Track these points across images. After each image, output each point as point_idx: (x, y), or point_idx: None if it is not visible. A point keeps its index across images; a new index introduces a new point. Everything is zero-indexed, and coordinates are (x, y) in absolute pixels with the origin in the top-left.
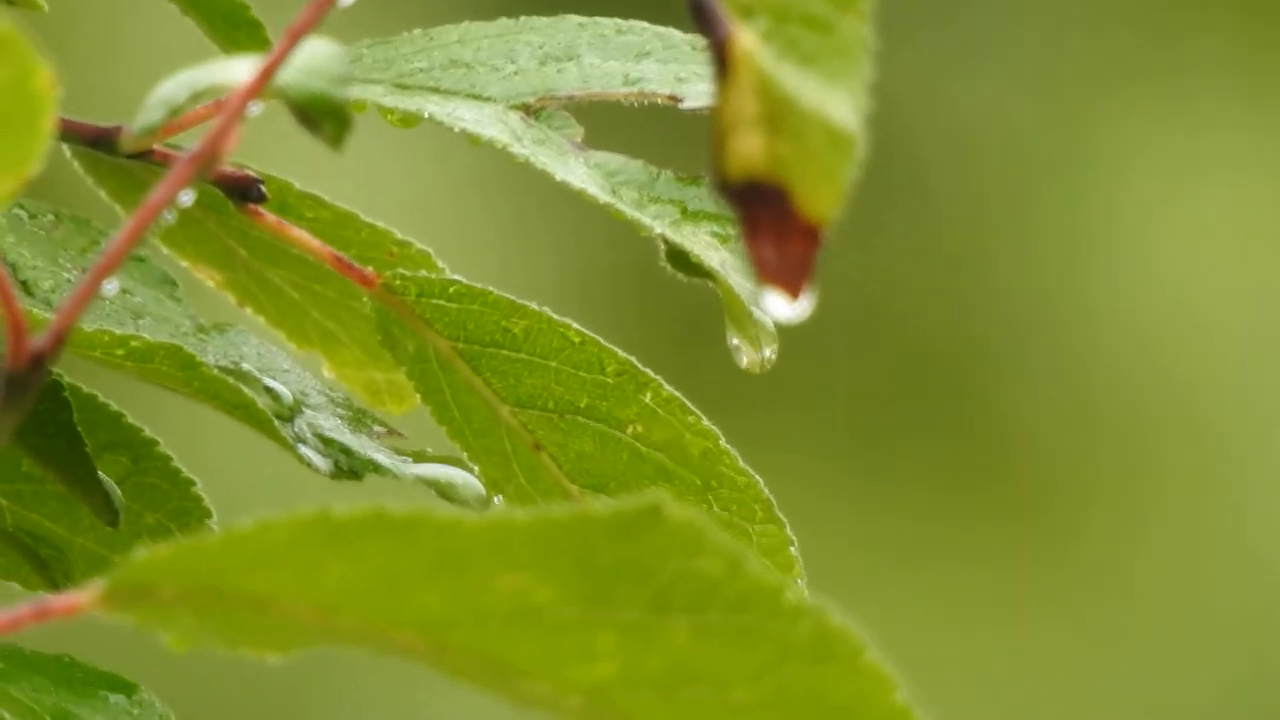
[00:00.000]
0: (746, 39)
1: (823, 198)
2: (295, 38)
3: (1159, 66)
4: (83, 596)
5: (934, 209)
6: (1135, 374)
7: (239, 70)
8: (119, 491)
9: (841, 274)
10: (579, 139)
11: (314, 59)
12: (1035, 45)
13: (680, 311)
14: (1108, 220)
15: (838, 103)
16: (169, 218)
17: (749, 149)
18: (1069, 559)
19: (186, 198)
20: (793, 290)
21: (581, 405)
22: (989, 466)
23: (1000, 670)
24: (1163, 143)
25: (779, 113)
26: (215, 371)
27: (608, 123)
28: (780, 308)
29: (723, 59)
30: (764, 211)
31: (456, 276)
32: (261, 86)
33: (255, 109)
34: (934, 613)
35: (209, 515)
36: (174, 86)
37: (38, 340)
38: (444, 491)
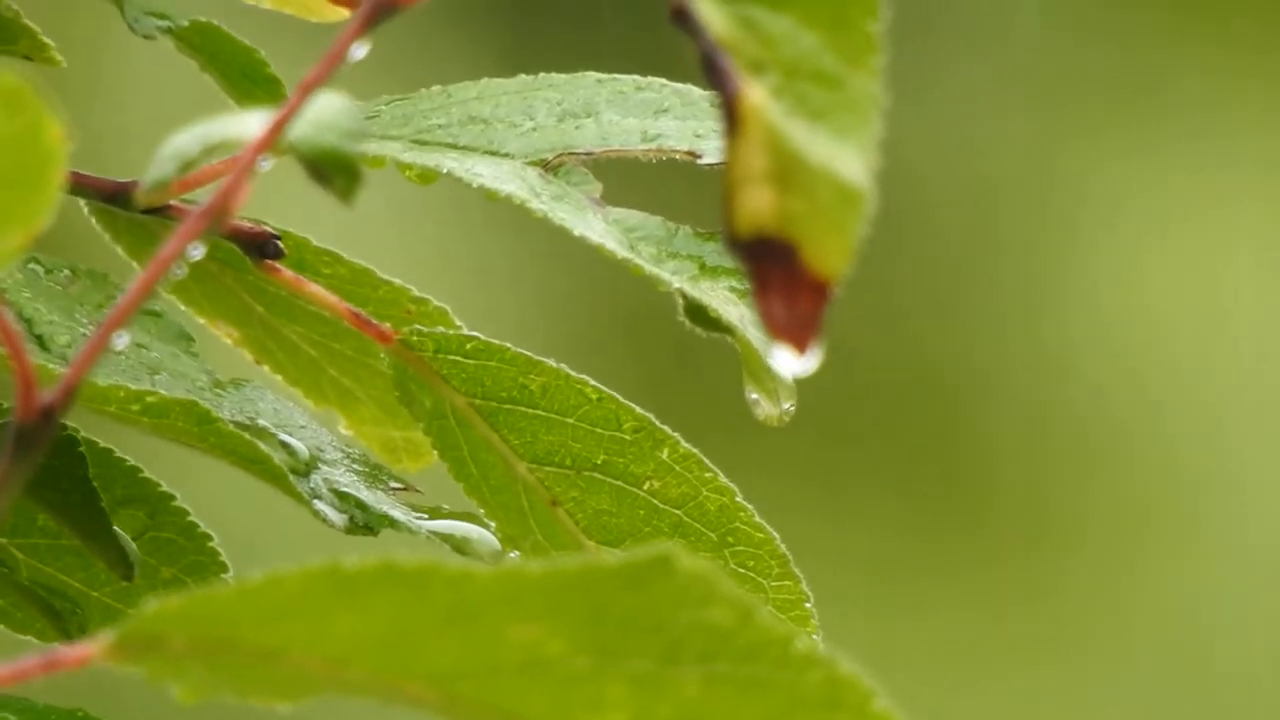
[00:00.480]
0: (756, 94)
1: (832, 254)
2: (306, 92)
3: (1137, 104)
4: (92, 648)
5: (897, 242)
6: (1080, 398)
7: (250, 124)
8: (134, 546)
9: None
10: (597, 195)
11: (325, 113)
12: (1010, 85)
13: (695, 364)
14: (1077, 252)
15: (847, 159)
16: (180, 272)
17: (758, 204)
18: (1052, 598)
19: (197, 252)
20: (800, 345)
21: (598, 461)
22: (968, 509)
23: (995, 713)
24: (1121, 170)
25: (789, 168)
26: (231, 427)
27: (626, 179)
28: (788, 363)
29: (732, 114)
30: (773, 267)
31: (474, 333)
32: (273, 141)
33: (267, 164)
34: (920, 661)
35: (225, 570)
36: (186, 140)
37: (47, 394)
38: (459, 547)
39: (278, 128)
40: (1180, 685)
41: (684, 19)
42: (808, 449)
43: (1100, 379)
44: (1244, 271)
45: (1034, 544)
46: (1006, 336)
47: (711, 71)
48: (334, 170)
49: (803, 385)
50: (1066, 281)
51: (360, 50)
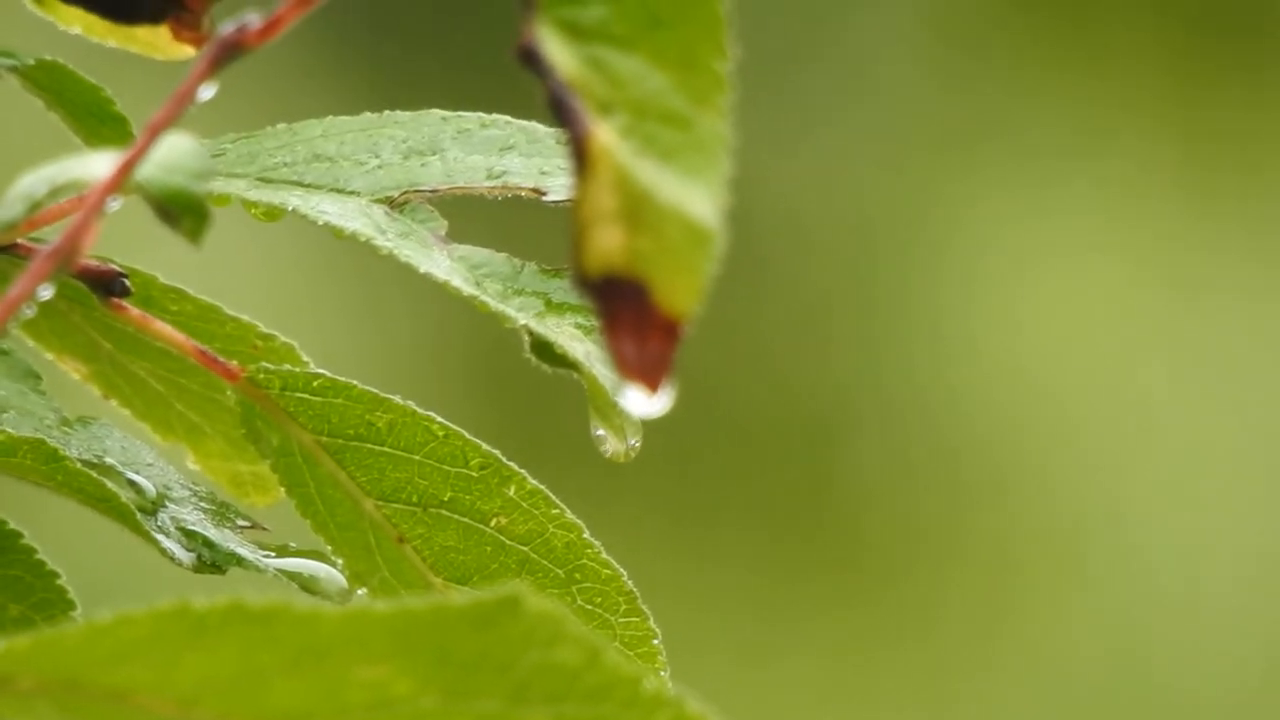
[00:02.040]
0: (605, 134)
1: (682, 293)
2: (155, 133)
3: (1002, 147)
4: None
5: (765, 279)
6: (953, 439)
7: (98, 165)
8: None
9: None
10: (443, 232)
11: (173, 154)
12: (876, 124)
13: (541, 400)
14: (949, 291)
15: (696, 198)
16: (29, 312)
17: (608, 244)
18: (920, 642)
19: (46, 292)
20: (652, 385)
21: (445, 498)
22: (835, 549)
23: None
24: (993, 206)
25: (638, 208)
26: (79, 465)
27: (472, 216)
28: (640, 404)
29: (582, 155)
30: (623, 306)
31: (321, 370)
32: (120, 182)
33: (115, 204)
34: (781, 705)
35: (73, 607)
36: (33, 181)
37: None
38: (307, 585)
39: (126, 169)
40: None
41: (532, 59)
42: (672, 486)
43: (974, 418)
44: (1111, 307)
45: (902, 585)
46: (879, 375)
47: (560, 112)
48: (182, 211)
49: (668, 421)
50: (939, 320)
51: (208, 91)
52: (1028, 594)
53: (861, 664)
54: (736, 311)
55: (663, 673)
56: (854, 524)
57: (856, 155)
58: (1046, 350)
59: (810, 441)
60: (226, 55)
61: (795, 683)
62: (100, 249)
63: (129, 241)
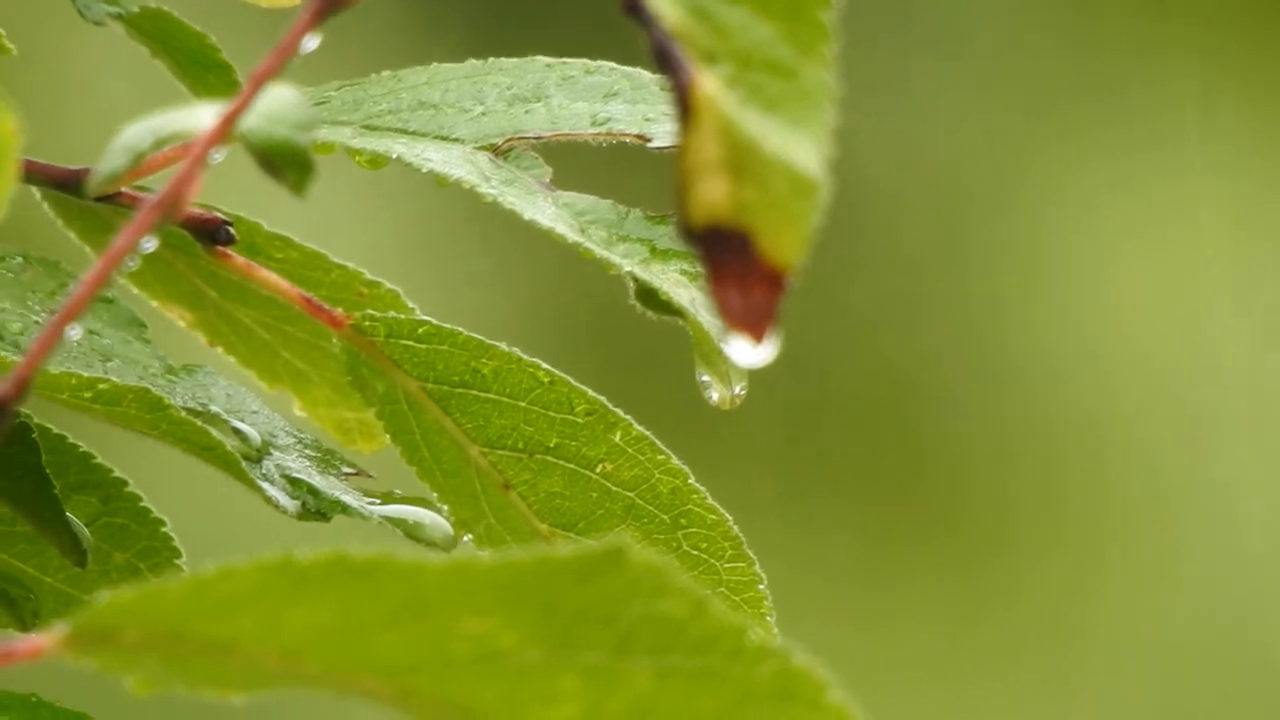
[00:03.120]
0: (709, 84)
1: (787, 244)
2: (258, 84)
3: (1104, 109)
4: (46, 640)
5: (860, 246)
6: (1050, 404)
7: (202, 117)
8: (87, 532)
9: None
10: (547, 179)
11: (276, 105)
12: (976, 90)
13: (647, 347)
14: (1045, 257)
15: (801, 148)
16: (132, 264)
17: (713, 195)
18: (1019, 608)
19: (150, 244)
20: (757, 335)
21: (551, 445)
22: (933, 516)
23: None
24: (1088, 177)
25: (743, 158)
26: (183, 414)
27: (577, 162)
28: (744, 353)
29: (685, 104)
30: (728, 257)
31: (426, 317)
32: (224, 134)
33: (219, 155)
34: (878, 669)
35: (178, 555)
36: (138, 132)
37: (0, 386)
38: (411, 532)
39: (229, 121)
40: (1147, 697)
41: (636, 10)
42: (769, 451)
43: (1070, 386)
44: (1213, 275)
45: (1001, 552)
46: (974, 342)
47: (664, 62)
48: (286, 163)
49: (765, 386)
50: (1034, 286)
51: (312, 42)
52: (1124, 559)
53: (959, 629)
54: (831, 277)
55: (769, 618)
56: (951, 490)
57: (951, 117)
58: (1142, 317)
59: (905, 407)
60: (330, 7)
61: (894, 647)
62: (205, 197)
63: (234, 189)
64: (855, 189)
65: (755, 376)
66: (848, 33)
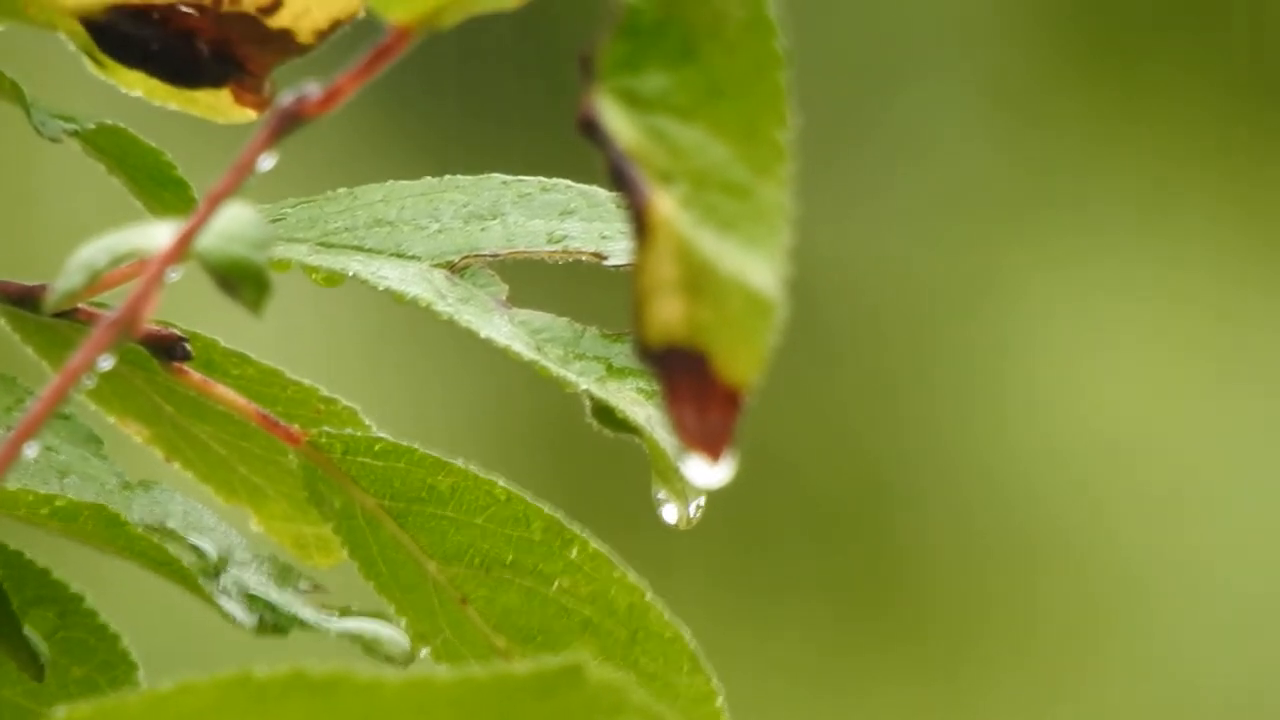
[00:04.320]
0: (665, 204)
1: (743, 363)
2: (215, 203)
3: (1055, 203)
4: None
5: (830, 352)
6: (1023, 511)
7: (159, 236)
8: (44, 646)
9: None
10: (504, 296)
11: (233, 224)
12: (927, 184)
13: (604, 464)
14: (1002, 359)
15: (757, 268)
16: (89, 382)
17: (668, 314)
18: (990, 716)
19: (106, 362)
20: (714, 454)
21: (508, 560)
22: (902, 620)
23: None
24: (1058, 278)
25: (699, 278)
26: (140, 530)
27: (533, 279)
28: (701, 473)
29: (641, 224)
30: (684, 376)
31: (382, 434)
32: (181, 252)
33: (175, 274)
34: None
35: (135, 668)
36: (94, 251)
37: None
38: (369, 646)
39: (186, 239)
40: None
41: (592, 129)
42: (734, 556)
43: (1040, 487)
44: (1182, 370)
45: (968, 659)
46: (942, 444)
47: (620, 182)
48: (243, 281)
49: (730, 491)
50: (1003, 389)
51: (268, 161)
52: (1094, 665)
53: (906, 696)
54: (797, 382)
55: None
56: (918, 597)
57: (915, 224)
58: (1113, 418)
59: (874, 512)
60: (286, 126)
61: (842, 713)
62: (161, 313)
63: (190, 306)
64: (823, 293)
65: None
66: (821, 141)
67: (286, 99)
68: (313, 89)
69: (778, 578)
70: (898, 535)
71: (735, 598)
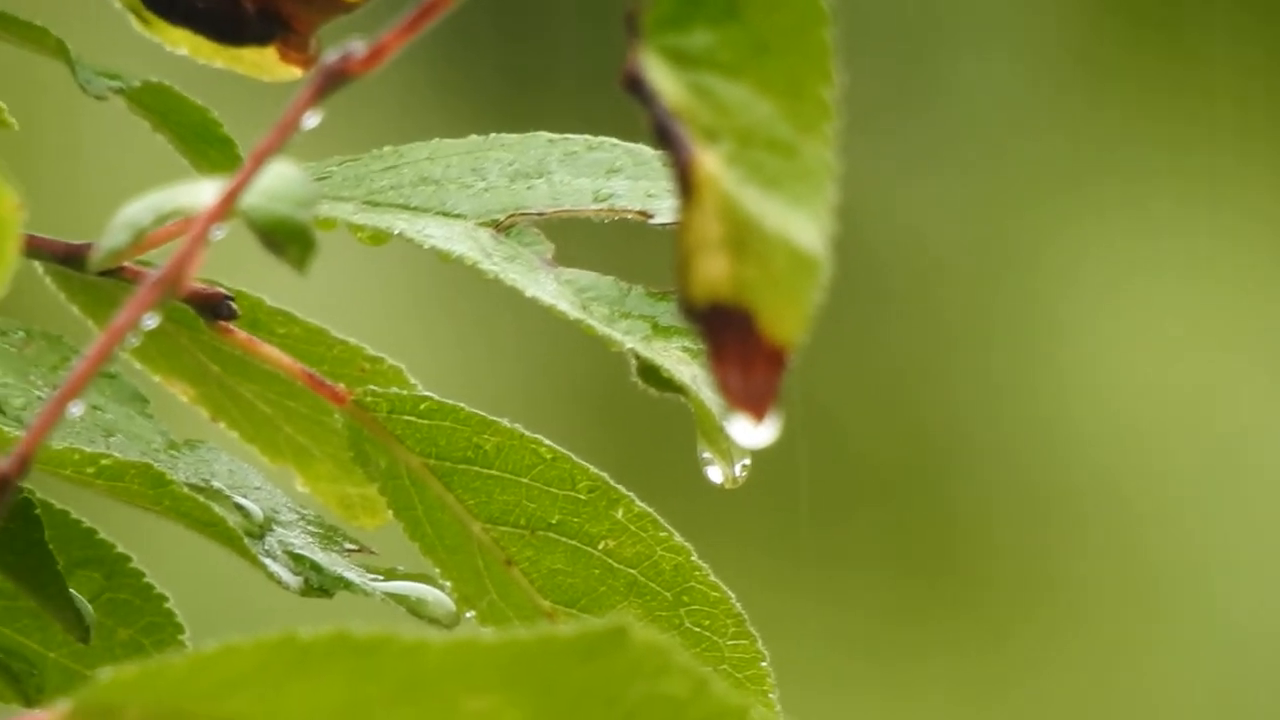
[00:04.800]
0: (710, 162)
1: (788, 321)
2: (259, 161)
3: (1106, 174)
4: (49, 717)
5: (886, 314)
6: (1080, 475)
7: (203, 194)
8: (90, 608)
9: (797, 376)
10: (549, 255)
11: (277, 182)
12: (985, 151)
13: (649, 424)
14: (1058, 323)
15: (802, 226)
16: (134, 340)
17: (713, 272)
18: (1049, 681)
19: (151, 321)
20: (758, 414)
21: (553, 521)
22: (960, 588)
23: None
24: (1113, 245)
25: (743, 236)
26: (185, 490)
27: (579, 238)
28: (746, 433)
29: (686, 182)
30: (729, 335)
31: (428, 393)
32: (225, 211)
33: (220, 232)
34: (891, 704)
35: (181, 630)
36: (139, 209)
37: (2, 462)
38: (414, 608)
39: (230, 198)
40: None
41: (637, 87)
42: (791, 524)
43: (1098, 455)
44: (1244, 339)
45: (1025, 626)
46: (1000, 412)
47: (665, 139)
48: (287, 239)
49: (783, 453)
50: (1062, 353)
51: (313, 119)
52: (1152, 631)
53: (982, 705)
54: (854, 346)
55: (771, 695)
56: (974, 564)
57: (980, 182)
58: (1171, 385)
59: (928, 478)
60: (331, 83)
61: (897, 682)
62: (207, 272)
63: (236, 264)
64: (881, 255)
65: (775, 445)
66: (884, 100)
67: (331, 57)
68: (357, 46)
69: (829, 544)
70: (953, 500)
71: (784, 564)
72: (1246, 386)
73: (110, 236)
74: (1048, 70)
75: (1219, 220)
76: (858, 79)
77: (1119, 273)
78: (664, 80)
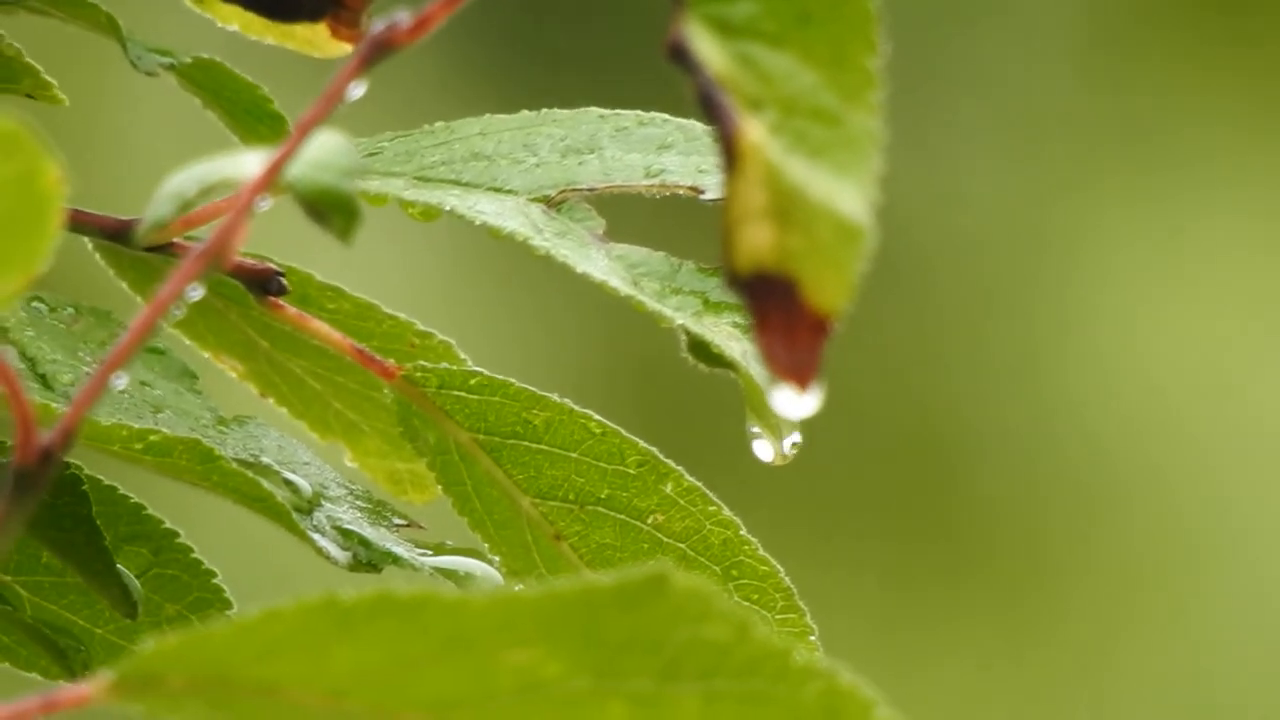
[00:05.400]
0: (755, 131)
1: (831, 290)
2: (305, 131)
3: (1132, 155)
4: (91, 687)
5: (895, 291)
6: (1120, 464)
7: (248, 164)
8: (137, 584)
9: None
10: (601, 231)
11: (323, 152)
12: (1020, 137)
13: (699, 399)
14: (1073, 304)
15: (847, 195)
16: (179, 312)
17: (758, 241)
18: (1050, 651)
19: (196, 292)
20: (802, 381)
21: (602, 496)
22: (964, 561)
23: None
24: (1122, 233)
25: (788, 205)
26: (234, 466)
27: (630, 214)
28: (789, 404)
29: (731, 151)
30: (773, 304)
31: (478, 368)
32: (270, 181)
33: (265, 204)
34: (908, 714)
35: (229, 606)
36: (183, 180)
37: (47, 435)
38: (462, 583)
39: (275, 168)
40: None
41: (682, 56)
42: (799, 494)
43: (1099, 430)
44: (1243, 323)
45: (1031, 595)
46: (1006, 386)
47: (709, 108)
48: (332, 209)
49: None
50: (1063, 333)
51: (358, 89)
52: (1154, 602)
53: (989, 672)
54: (864, 321)
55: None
56: (981, 534)
57: (984, 166)
58: (1172, 362)
59: (936, 451)
60: (377, 53)
61: (923, 693)
62: (258, 247)
63: (288, 240)
64: (889, 237)
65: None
66: (921, 78)
67: (377, 27)
68: (403, 17)
69: (842, 516)
70: (959, 476)
71: (799, 535)
72: (1254, 372)
73: (155, 208)
74: (1086, 57)
75: (1248, 209)
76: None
77: (1123, 253)
78: (708, 49)
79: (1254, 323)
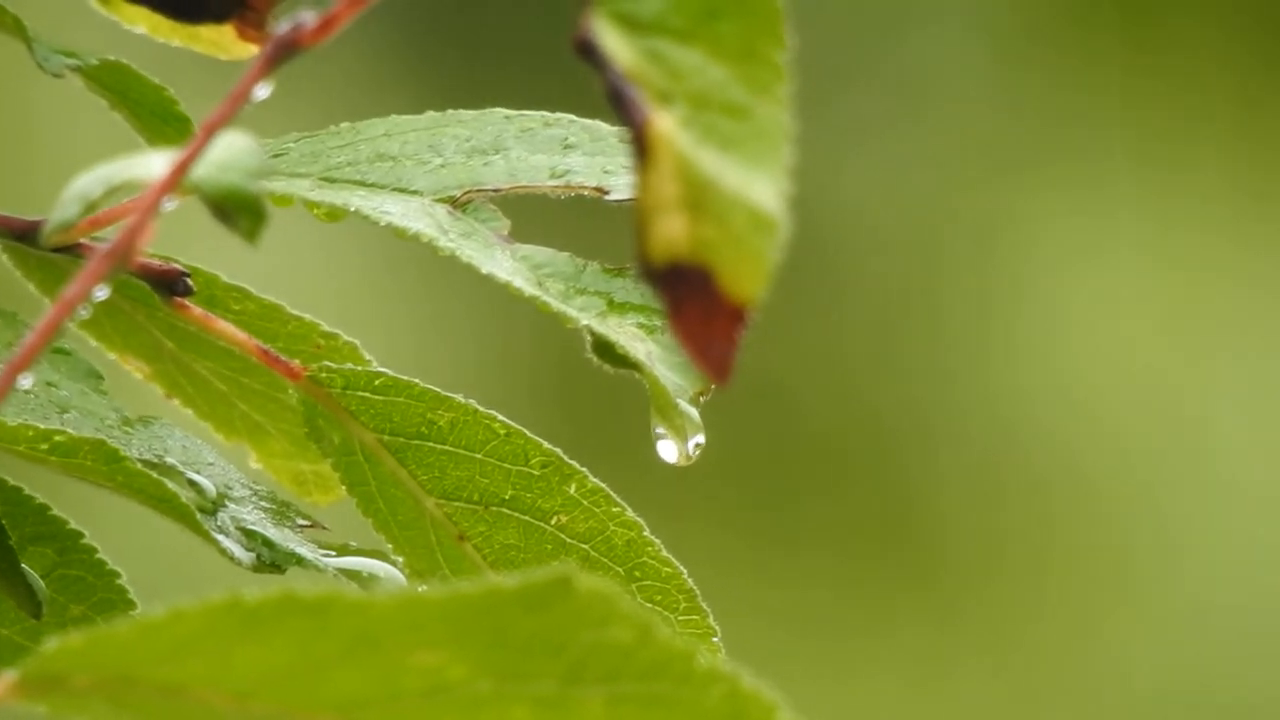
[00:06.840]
0: (665, 123)
1: (747, 279)
2: (210, 132)
3: (1061, 151)
4: None
5: (838, 290)
6: (1035, 451)
7: (154, 165)
8: (42, 584)
9: (747, 352)
10: (506, 232)
11: (228, 153)
12: (939, 128)
13: (603, 401)
14: (1013, 300)
15: (760, 185)
16: (84, 313)
17: (672, 232)
18: (1005, 657)
19: (102, 293)
20: (720, 372)
21: (506, 496)
22: (915, 565)
23: None
24: (1066, 226)
25: (700, 196)
26: (139, 466)
27: (535, 214)
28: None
29: (642, 144)
30: (689, 294)
31: (383, 369)
32: (176, 182)
33: (171, 204)
34: (840, 682)
35: (134, 606)
36: (89, 181)
37: None
38: (366, 584)
39: (181, 168)
40: None
41: (589, 51)
42: (740, 501)
43: (1053, 431)
44: (1187, 314)
45: (978, 603)
46: (955, 388)
47: (619, 103)
48: (238, 210)
49: (738, 431)
50: (1015, 330)
51: (264, 90)
52: (1105, 607)
53: (934, 682)
54: (805, 323)
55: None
56: (928, 540)
57: (932, 157)
58: (1124, 358)
59: (883, 454)
60: (282, 54)
61: (871, 702)
62: (163, 248)
63: (193, 241)
64: (833, 231)
65: (729, 423)
66: (827, 76)
67: (283, 27)
68: (308, 17)
69: (783, 523)
70: (907, 478)
71: (740, 545)
72: (1202, 363)
73: (61, 209)
74: (1005, 45)
75: (1174, 200)
76: (809, 49)
77: (1074, 250)
78: (617, 45)
79: (1192, 316)
